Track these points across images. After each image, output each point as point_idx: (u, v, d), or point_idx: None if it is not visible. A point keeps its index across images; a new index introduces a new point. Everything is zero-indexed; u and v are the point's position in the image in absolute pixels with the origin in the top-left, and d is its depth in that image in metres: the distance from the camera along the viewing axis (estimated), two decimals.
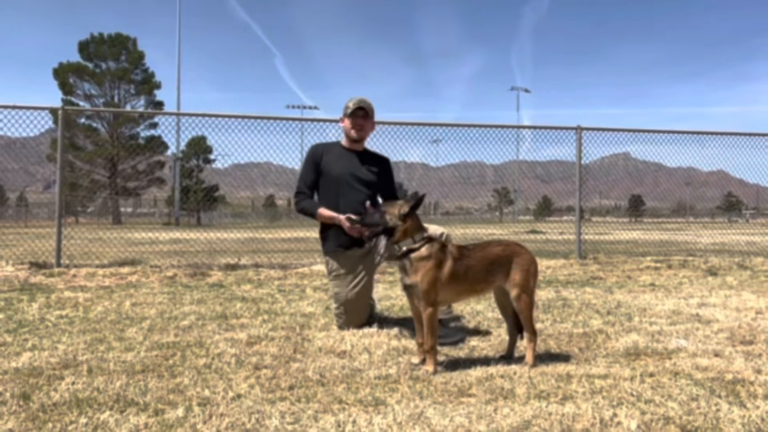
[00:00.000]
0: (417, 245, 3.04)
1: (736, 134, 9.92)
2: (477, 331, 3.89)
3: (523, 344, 3.36)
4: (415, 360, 3.10)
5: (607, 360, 3.16)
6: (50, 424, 2.16)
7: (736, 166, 10.16)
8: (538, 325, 4.08)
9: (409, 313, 4.47)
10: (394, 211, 3.09)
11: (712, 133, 9.86)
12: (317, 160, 4.16)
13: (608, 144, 9.41)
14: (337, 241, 4.03)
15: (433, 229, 3.79)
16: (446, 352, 3.37)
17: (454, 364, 3.05)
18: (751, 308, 4.83)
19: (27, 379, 2.73)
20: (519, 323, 3.22)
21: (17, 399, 2.42)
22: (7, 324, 4.09)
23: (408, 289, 3.08)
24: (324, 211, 4.00)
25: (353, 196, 4.04)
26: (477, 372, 2.88)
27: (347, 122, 4.12)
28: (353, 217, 3.81)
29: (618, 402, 2.43)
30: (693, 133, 9.79)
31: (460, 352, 3.38)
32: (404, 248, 3.04)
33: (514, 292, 3.12)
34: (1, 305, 4.89)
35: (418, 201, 3.09)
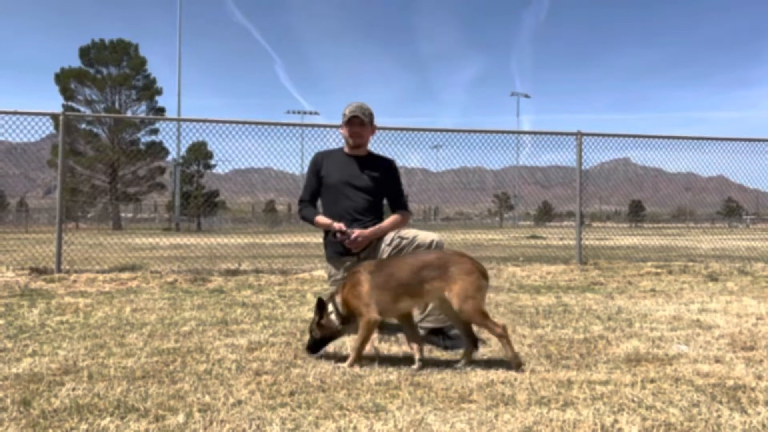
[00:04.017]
0: (333, 312, 3.26)
1: (735, 140, 9.93)
2: (477, 337, 3.88)
3: (524, 350, 3.36)
4: (414, 366, 3.09)
5: (608, 366, 3.15)
6: (51, 431, 2.16)
7: (735, 172, 10.18)
8: (538, 331, 4.09)
9: None
10: (314, 326, 3.30)
11: (711, 139, 9.87)
12: (318, 168, 4.20)
13: (608, 149, 9.43)
14: (334, 248, 4.05)
15: (424, 236, 3.80)
16: (448, 357, 3.37)
17: (455, 370, 3.05)
18: (752, 314, 4.82)
19: (27, 385, 2.73)
20: (471, 333, 3.22)
21: (18, 405, 2.42)
22: (8, 330, 4.09)
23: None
24: (320, 219, 4.05)
25: (349, 202, 4.07)
26: (478, 378, 2.88)
27: (345, 130, 4.14)
28: (343, 229, 3.84)
29: (619, 408, 2.43)
30: (692, 138, 9.81)
31: (460, 358, 3.37)
32: (336, 324, 3.26)
33: (454, 302, 3.06)
34: (1, 311, 4.89)
35: (318, 308, 3.29)
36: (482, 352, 3.48)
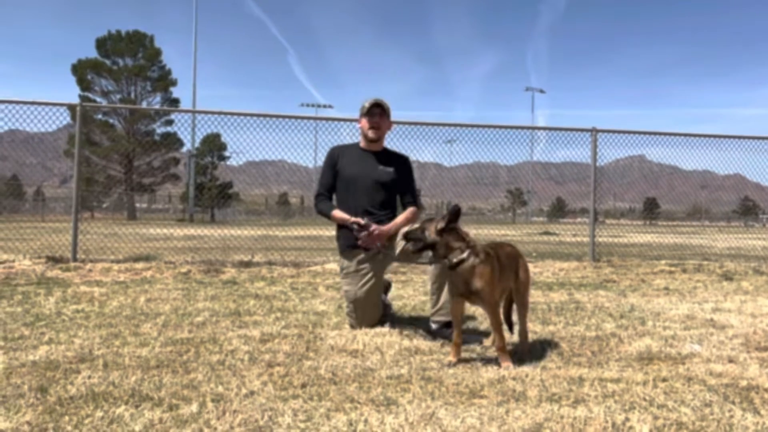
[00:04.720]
0: (464, 255, 3.10)
1: (753, 138, 9.81)
2: (489, 333, 3.88)
3: (535, 347, 3.35)
4: (452, 359, 3.13)
5: (620, 364, 3.14)
6: (67, 417, 2.20)
7: (753, 170, 10.07)
8: (550, 327, 4.09)
9: (422, 313, 4.49)
10: (431, 228, 3.17)
11: (729, 137, 9.75)
12: (334, 162, 4.22)
13: (623, 146, 9.35)
14: (347, 241, 4.07)
15: None
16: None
17: (466, 365, 3.05)
18: (766, 314, 4.78)
19: (44, 372, 2.78)
20: (510, 318, 3.58)
21: (35, 392, 2.46)
22: (25, 317, 4.15)
23: (465, 295, 3.14)
24: (336, 213, 4.08)
25: (365, 198, 4.09)
26: (489, 373, 2.89)
27: (364, 122, 4.16)
28: (361, 222, 3.87)
29: (630, 406, 2.43)
30: (710, 136, 9.70)
31: (472, 353, 3.38)
32: (454, 260, 3.11)
33: (522, 290, 3.46)
34: (18, 299, 4.96)
35: (452, 215, 3.15)
36: (493, 347, 3.48)
